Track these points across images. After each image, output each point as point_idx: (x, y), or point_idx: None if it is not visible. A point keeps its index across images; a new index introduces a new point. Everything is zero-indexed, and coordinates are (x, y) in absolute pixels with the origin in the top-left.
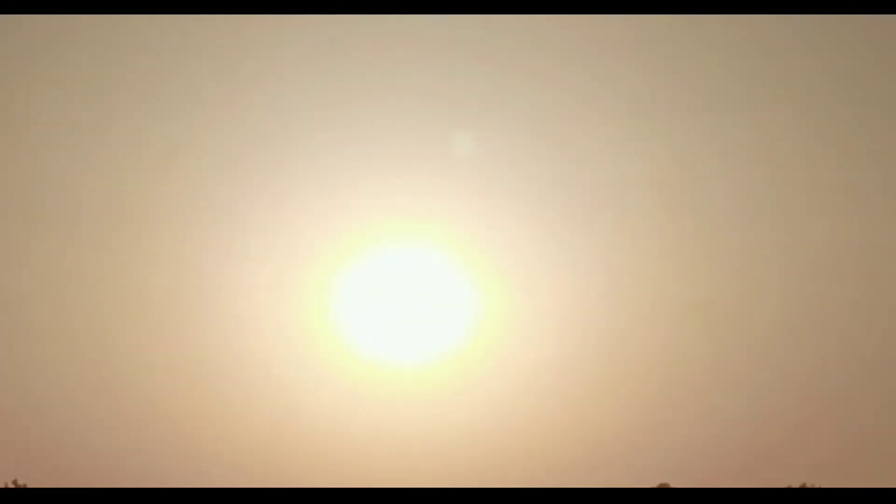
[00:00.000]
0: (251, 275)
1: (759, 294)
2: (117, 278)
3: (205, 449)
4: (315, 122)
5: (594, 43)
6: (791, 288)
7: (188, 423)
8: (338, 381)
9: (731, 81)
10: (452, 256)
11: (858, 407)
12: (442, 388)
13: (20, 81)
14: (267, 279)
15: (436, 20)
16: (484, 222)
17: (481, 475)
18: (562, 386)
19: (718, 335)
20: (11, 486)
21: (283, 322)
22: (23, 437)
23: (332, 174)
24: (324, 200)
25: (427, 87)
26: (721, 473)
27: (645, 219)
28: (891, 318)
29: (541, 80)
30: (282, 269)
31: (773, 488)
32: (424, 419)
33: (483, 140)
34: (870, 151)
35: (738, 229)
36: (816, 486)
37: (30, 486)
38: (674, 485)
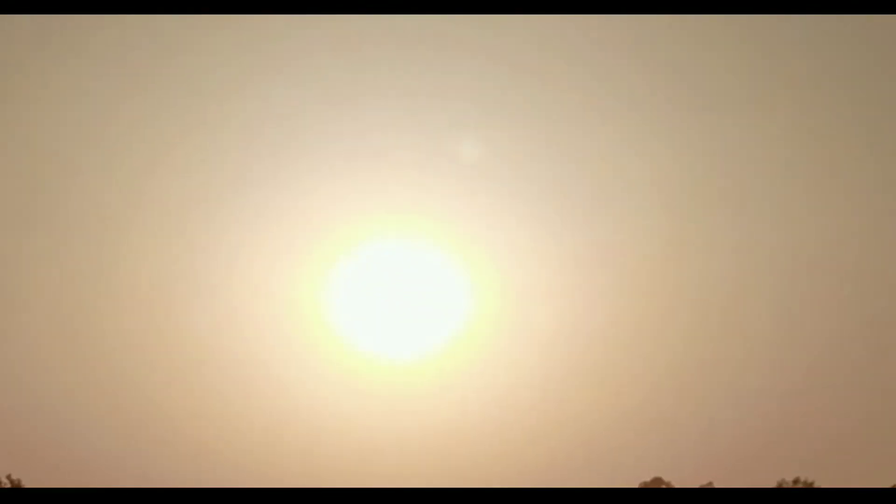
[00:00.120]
0: (246, 270)
1: (755, 293)
2: (111, 275)
3: (200, 442)
4: (311, 118)
5: (594, 43)
6: (787, 287)
7: (183, 418)
8: (333, 375)
9: (730, 82)
10: (447, 253)
11: (853, 404)
12: (437, 383)
13: (15, 81)
14: (262, 275)
15: (437, 20)
16: (479, 219)
17: (475, 468)
18: (555, 381)
19: (714, 332)
20: (6, 480)
21: (278, 317)
22: (18, 433)
23: (327, 170)
24: (319, 197)
25: (426, 84)
26: (715, 468)
27: (641, 217)
28: (887, 315)
29: (541, 80)
30: (276, 265)
31: (771, 488)
32: (419, 413)
33: (481, 138)
34: (868, 151)
35: (734, 229)
36: (810, 480)
37: (24, 481)
38: (667, 478)
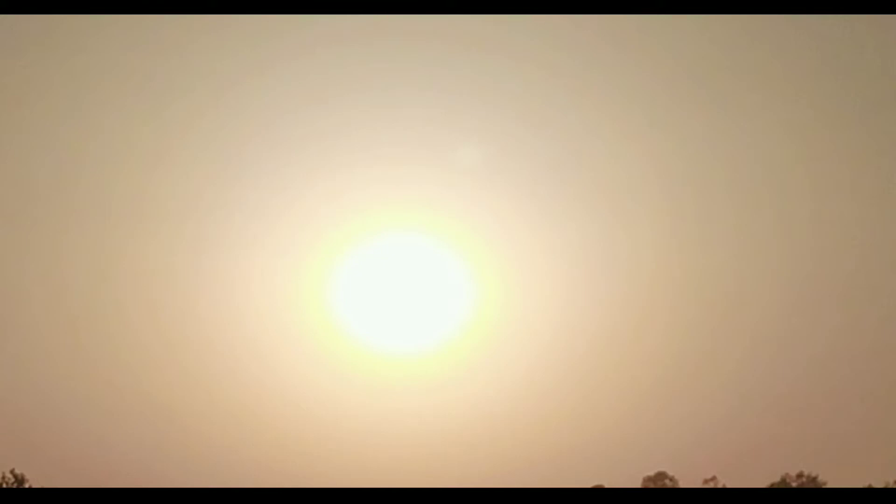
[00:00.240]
0: (248, 265)
1: (759, 288)
2: (115, 272)
3: (205, 439)
4: (314, 113)
5: (598, 40)
6: (790, 282)
7: (187, 415)
8: (335, 369)
9: (733, 79)
10: (450, 247)
11: (856, 398)
12: (439, 377)
13: (20, 78)
14: (264, 269)
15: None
16: (482, 214)
17: (479, 461)
18: (559, 375)
19: (718, 328)
20: (10, 475)
21: (282, 312)
22: (22, 428)
23: (331, 165)
24: (323, 192)
25: (428, 79)
26: (719, 462)
27: (644, 212)
28: (890, 310)
29: (543, 76)
30: (279, 259)
31: (768, 488)
32: (421, 407)
33: (483, 133)
34: (871, 148)
35: (736, 226)
36: (813, 474)
37: (28, 476)
38: (671, 473)
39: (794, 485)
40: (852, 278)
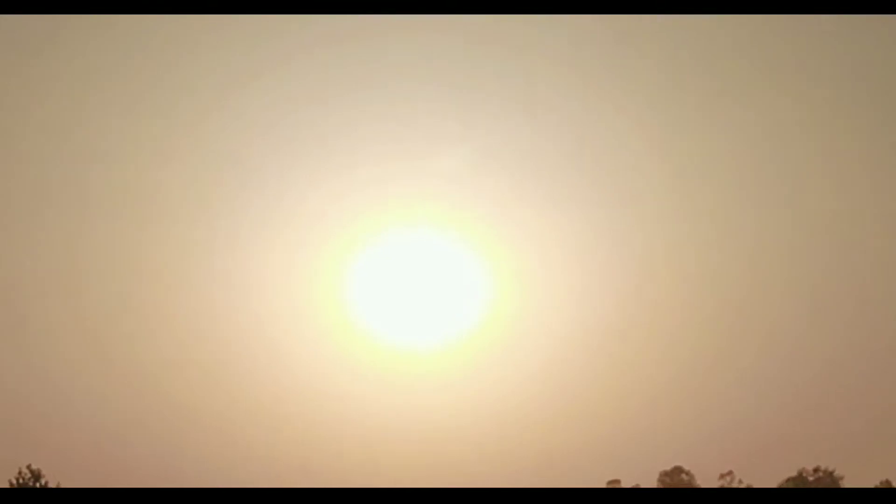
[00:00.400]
0: (264, 261)
1: (771, 287)
2: (127, 271)
3: (218, 433)
4: (326, 110)
5: (610, 38)
6: (804, 278)
7: (202, 413)
8: (351, 365)
9: (747, 76)
10: (466, 242)
11: (872, 393)
12: (455, 373)
13: (33, 77)
14: (280, 265)
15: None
16: (498, 210)
17: (494, 457)
18: (573, 372)
19: (730, 327)
20: (26, 470)
21: (296, 309)
22: (37, 425)
23: (347, 162)
24: (338, 187)
25: (445, 74)
26: (735, 457)
27: (660, 212)
28: None
29: (560, 73)
30: (295, 256)
31: (774, 488)
32: (438, 402)
33: (501, 129)
34: (888, 145)
35: (750, 225)
36: (830, 468)
37: (43, 471)
38: (687, 467)
39: (810, 479)
40: (869, 273)
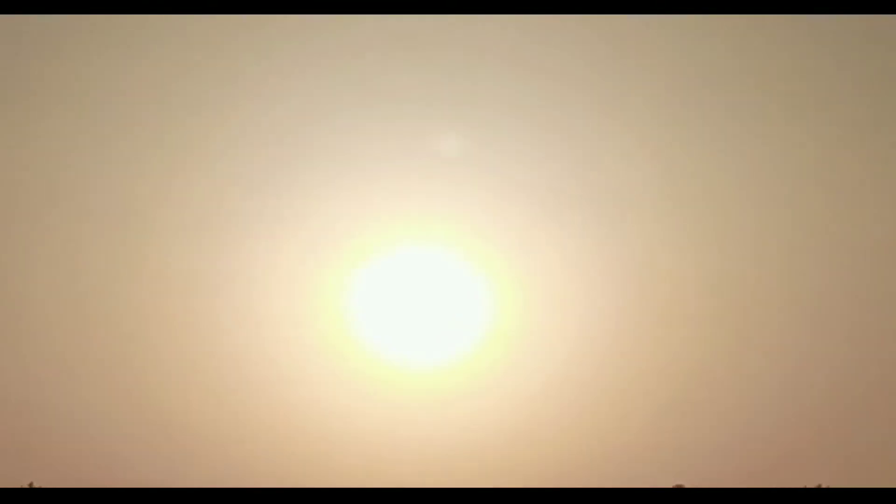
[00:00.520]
0: (265, 275)
1: (776, 295)
2: (130, 278)
3: (217, 449)
4: (331, 121)
5: (606, 43)
6: (808, 288)
7: (201, 423)
8: (352, 382)
9: (745, 80)
10: (468, 258)
11: (878, 408)
12: (457, 390)
13: (33, 82)
14: (281, 280)
15: (460, 20)
16: (500, 225)
17: (495, 478)
18: (577, 388)
19: (735, 336)
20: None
21: (298, 323)
22: (34, 436)
23: (348, 174)
24: (339, 200)
25: (444, 86)
26: (738, 475)
27: (661, 221)
28: None
29: (557, 82)
30: (296, 270)
31: (779, 488)
32: (440, 421)
33: (500, 142)
34: (888, 149)
35: (753, 229)
36: (835, 486)
37: (43, 478)
38: (692, 484)
39: None
40: (881, 279)
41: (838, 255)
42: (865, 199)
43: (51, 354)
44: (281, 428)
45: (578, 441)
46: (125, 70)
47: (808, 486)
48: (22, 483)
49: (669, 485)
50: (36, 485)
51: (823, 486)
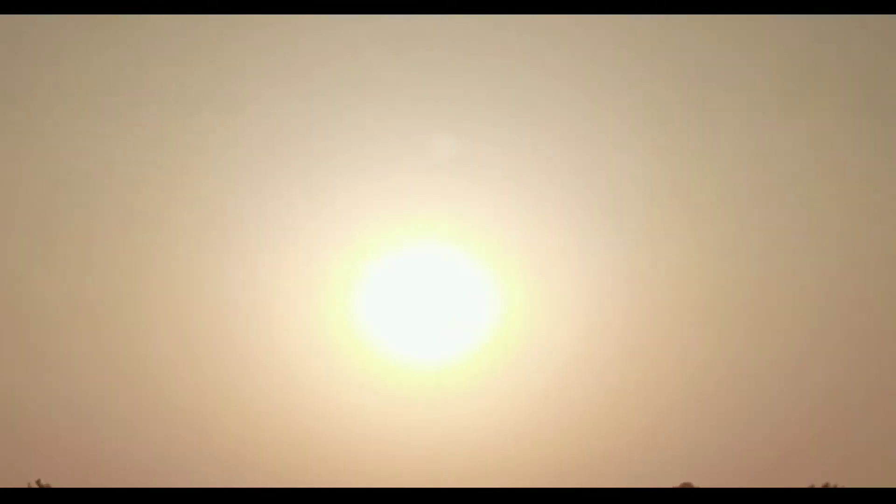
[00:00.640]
0: (272, 273)
1: (781, 294)
2: (137, 277)
3: (224, 447)
4: (336, 122)
5: (614, 43)
6: (812, 288)
7: (209, 421)
8: (359, 379)
9: (752, 80)
10: (474, 255)
11: (881, 406)
12: (464, 387)
13: (37, 85)
14: (288, 278)
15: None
16: (506, 222)
17: (501, 474)
18: (583, 386)
19: (740, 335)
20: (35, 485)
21: (305, 320)
22: (41, 437)
23: (354, 172)
24: (346, 199)
25: (451, 85)
26: (742, 473)
27: (666, 219)
28: None
29: (565, 82)
30: (303, 268)
31: (782, 488)
32: (446, 418)
33: (508, 141)
34: (892, 147)
35: (759, 229)
36: (841, 485)
37: (53, 485)
38: (696, 485)
39: None
40: (883, 286)
41: (840, 256)
42: (869, 200)
43: (59, 357)
44: (287, 426)
45: (583, 437)
46: (128, 73)
47: (815, 485)
48: (29, 480)
49: (672, 485)
50: (44, 482)
51: (830, 485)
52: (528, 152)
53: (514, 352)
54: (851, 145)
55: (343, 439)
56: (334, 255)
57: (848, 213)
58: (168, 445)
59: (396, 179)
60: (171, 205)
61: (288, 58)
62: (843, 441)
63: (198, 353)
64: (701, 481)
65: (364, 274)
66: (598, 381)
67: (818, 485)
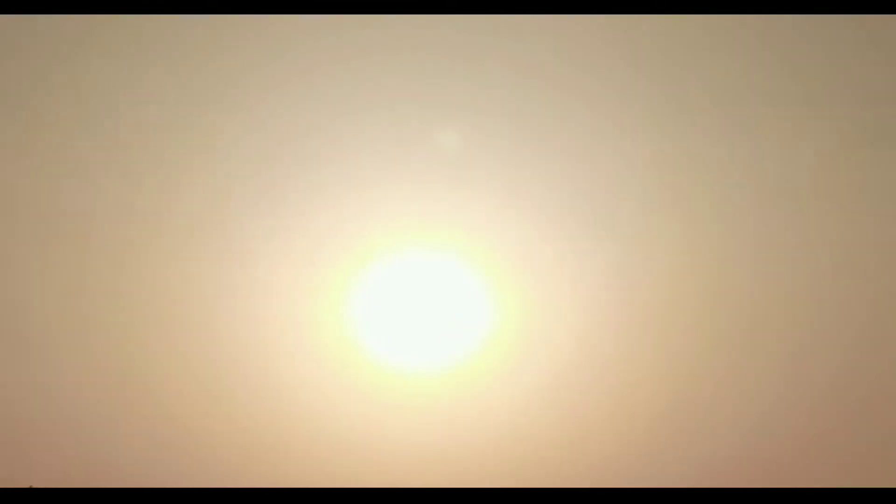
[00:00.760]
0: (266, 279)
1: (778, 299)
2: (131, 280)
3: (217, 453)
4: (334, 125)
5: (607, 45)
6: (809, 292)
7: (201, 426)
8: (353, 386)
9: (746, 83)
10: (469, 263)
11: (879, 412)
12: (458, 394)
13: (34, 85)
14: (282, 284)
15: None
16: (501, 229)
17: (495, 482)
18: (578, 393)
19: (736, 341)
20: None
21: (298, 327)
22: (35, 441)
23: (349, 178)
24: (341, 205)
25: (446, 91)
26: (741, 478)
27: (661, 225)
28: None
29: (556, 87)
30: (297, 274)
31: (782, 488)
32: (440, 425)
33: (501, 148)
34: (888, 151)
35: (754, 234)
36: (839, 486)
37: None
38: (696, 485)
39: None
40: (879, 292)
41: (839, 258)
42: (866, 205)
43: (51, 361)
44: (282, 433)
45: (578, 445)
46: (124, 75)
47: (809, 486)
48: (22, 483)
49: (670, 486)
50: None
51: (825, 486)
52: (525, 159)
53: (510, 359)
54: (848, 150)
55: (338, 446)
56: (329, 261)
57: (845, 218)
58: (160, 450)
59: (391, 186)
60: (162, 209)
61: (282, 61)
62: (843, 441)
63: (191, 359)
64: (699, 482)
65: (359, 281)
66: (595, 387)
67: (812, 486)
